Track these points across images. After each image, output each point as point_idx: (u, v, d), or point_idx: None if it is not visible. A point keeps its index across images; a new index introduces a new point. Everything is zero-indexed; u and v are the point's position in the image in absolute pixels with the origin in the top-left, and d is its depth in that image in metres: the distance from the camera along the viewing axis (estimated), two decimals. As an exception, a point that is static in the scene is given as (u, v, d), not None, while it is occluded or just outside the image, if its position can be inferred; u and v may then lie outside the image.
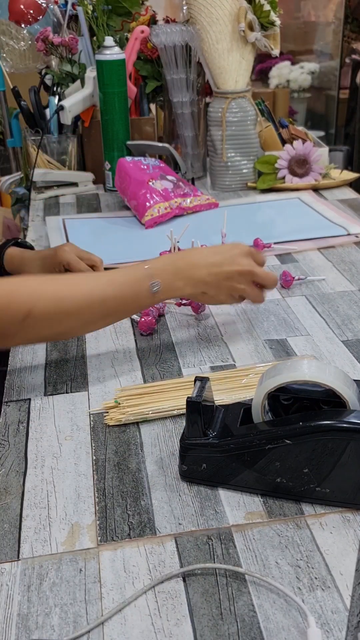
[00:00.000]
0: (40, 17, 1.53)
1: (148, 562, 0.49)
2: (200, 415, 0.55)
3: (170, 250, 1.00)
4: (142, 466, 0.59)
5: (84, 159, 1.45)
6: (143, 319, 0.81)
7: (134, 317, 0.84)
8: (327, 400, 0.54)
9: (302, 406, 0.56)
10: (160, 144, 1.36)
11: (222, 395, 0.67)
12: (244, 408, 0.58)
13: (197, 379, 0.57)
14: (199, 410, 0.54)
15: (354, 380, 0.55)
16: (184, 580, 0.48)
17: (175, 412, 0.66)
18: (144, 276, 0.70)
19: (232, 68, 1.27)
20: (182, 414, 0.66)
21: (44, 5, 1.52)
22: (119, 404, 0.67)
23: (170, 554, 0.50)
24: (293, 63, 2.69)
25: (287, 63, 2.64)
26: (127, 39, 1.40)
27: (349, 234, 1.09)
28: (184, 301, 0.86)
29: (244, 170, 1.35)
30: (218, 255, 0.73)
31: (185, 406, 0.55)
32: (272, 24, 1.24)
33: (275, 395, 0.56)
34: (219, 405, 0.60)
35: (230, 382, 0.70)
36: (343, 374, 0.54)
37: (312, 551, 0.50)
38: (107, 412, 0.67)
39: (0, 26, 1.62)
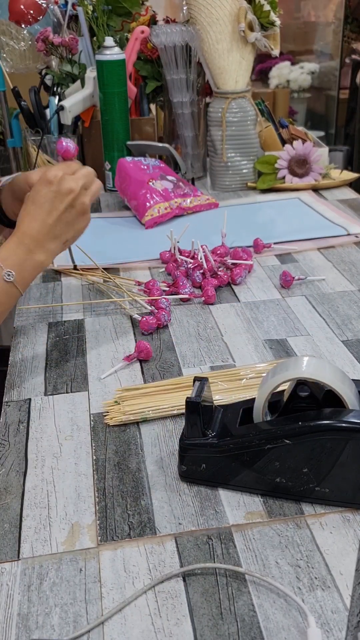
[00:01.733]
0: (41, 17, 1.53)
1: (148, 561, 0.50)
2: (199, 416, 0.55)
3: (170, 250, 1.01)
4: (142, 466, 0.59)
5: (84, 159, 1.45)
6: (144, 319, 0.81)
7: (135, 316, 0.84)
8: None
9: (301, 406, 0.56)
10: (160, 144, 1.36)
11: (221, 395, 0.67)
12: (243, 408, 0.58)
13: (196, 379, 0.57)
14: (198, 410, 0.54)
15: (353, 380, 0.55)
16: (184, 580, 0.48)
17: (175, 412, 0.66)
18: None
19: (232, 68, 1.28)
20: (182, 414, 0.66)
21: (44, 5, 1.52)
22: (119, 403, 0.67)
23: (170, 554, 0.50)
24: (293, 63, 2.70)
25: (287, 63, 2.64)
26: (127, 39, 1.40)
27: (348, 234, 1.09)
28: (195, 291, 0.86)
29: (244, 171, 1.35)
30: (44, 206, 0.70)
31: (184, 406, 0.55)
32: (272, 24, 1.24)
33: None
34: (218, 406, 0.60)
35: (229, 381, 0.70)
36: (342, 373, 0.54)
37: (312, 551, 0.50)
38: (107, 412, 0.67)
39: (0, 26, 1.62)
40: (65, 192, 0.71)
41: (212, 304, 0.89)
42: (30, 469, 0.60)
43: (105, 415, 0.66)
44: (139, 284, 0.93)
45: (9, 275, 0.68)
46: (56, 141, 0.79)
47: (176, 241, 0.99)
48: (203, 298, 0.89)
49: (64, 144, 0.77)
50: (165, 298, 0.86)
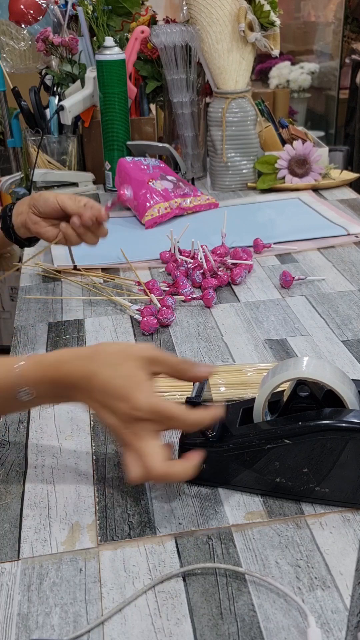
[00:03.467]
0: (41, 17, 1.53)
1: (148, 561, 0.50)
2: (199, 415, 0.55)
3: (170, 250, 1.01)
4: (142, 466, 0.59)
5: (84, 159, 1.45)
6: (145, 319, 0.81)
7: (136, 316, 0.84)
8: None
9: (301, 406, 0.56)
10: (160, 144, 1.36)
11: (222, 388, 0.67)
12: (244, 408, 0.58)
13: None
14: (198, 410, 0.54)
15: (353, 380, 0.55)
16: (184, 580, 0.48)
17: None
18: (10, 382, 0.53)
19: (232, 68, 1.28)
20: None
21: (44, 5, 1.52)
22: None
23: (170, 554, 0.50)
24: (293, 63, 2.70)
25: (287, 63, 2.64)
26: (127, 39, 1.40)
27: (348, 234, 1.09)
28: (195, 293, 0.86)
29: (244, 171, 1.35)
30: (110, 383, 0.51)
31: (182, 398, 0.55)
32: (272, 24, 1.24)
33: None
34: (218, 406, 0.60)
35: (231, 377, 0.70)
36: (342, 372, 0.54)
37: (312, 551, 0.50)
38: None
39: (0, 26, 1.62)
40: (148, 416, 0.50)
41: (210, 307, 0.88)
42: (30, 469, 0.60)
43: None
44: (139, 284, 0.93)
45: (28, 395, 0.53)
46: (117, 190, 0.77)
47: (176, 241, 0.99)
48: (202, 301, 0.89)
49: (126, 193, 0.76)
50: (171, 296, 0.86)
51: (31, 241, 0.88)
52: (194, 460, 0.51)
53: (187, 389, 0.65)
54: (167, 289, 0.92)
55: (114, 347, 0.54)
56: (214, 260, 0.95)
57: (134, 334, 0.82)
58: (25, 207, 0.83)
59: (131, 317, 0.85)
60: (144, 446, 0.50)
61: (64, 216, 0.81)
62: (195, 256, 0.98)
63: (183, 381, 0.54)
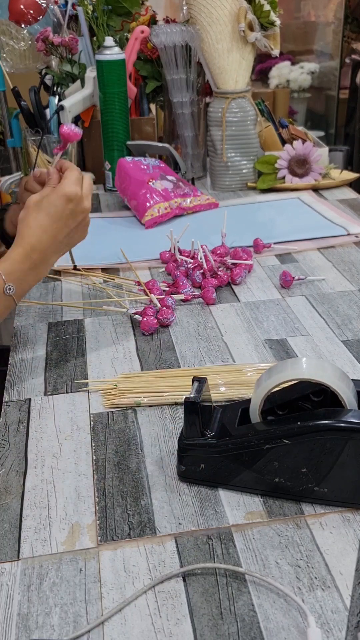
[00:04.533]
0: (40, 17, 1.53)
1: (148, 561, 0.50)
2: (198, 416, 0.55)
3: (170, 250, 1.01)
4: (142, 466, 0.59)
5: (84, 159, 1.45)
6: (145, 319, 0.81)
7: (136, 316, 0.84)
8: (317, 393, 0.55)
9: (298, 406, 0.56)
10: (160, 144, 1.36)
11: (222, 388, 0.67)
12: (242, 408, 0.58)
13: (194, 379, 0.57)
14: (197, 410, 0.54)
15: (352, 380, 0.55)
16: (184, 580, 0.48)
17: (169, 400, 0.67)
18: None
19: (232, 68, 1.27)
20: (176, 403, 0.67)
21: (44, 5, 1.52)
22: (117, 386, 0.69)
23: (170, 554, 0.50)
24: (293, 63, 2.69)
25: (287, 63, 2.64)
26: (127, 39, 1.40)
27: (348, 234, 1.09)
28: (195, 292, 0.86)
29: (244, 170, 1.35)
30: (59, 222, 0.70)
31: (182, 398, 0.55)
32: (272, 24, 1.24)
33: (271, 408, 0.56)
34: (217, 406, 0.60)
35: (231, 377, 0.70)
36: (340, 372, 0.54)
37: (312, 551, 0.50)
38: (107, 399, 0.68)
39: (0, 26, 1.62)
40: (81, 211, 0.72)
41: (212, 305, 0.88)
42: (30, 469, 0.60)
43: (104, 401, 0.67)
44: (139, 283, 0.93)
45: (10, 289, 0.68)
46: (58, 128, 0.78)
47: (176, 241, 0.99)
48: (202, 299, 0.89)
49: (69, 127, 0.75)
50: (171, 297, 0.86)
51: None
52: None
53: (187, 389, 0.65)
54: (167, 288, 0.92)
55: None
56: (214, 260, 0.95)
57: (134, 334, 0.82)
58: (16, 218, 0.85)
59: (131, 317, 0.85)
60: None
61: None
62: (195, 256, 0.98)
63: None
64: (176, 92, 1.33)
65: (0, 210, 0.89)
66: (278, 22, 1.24)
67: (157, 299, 0.86)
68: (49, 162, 1.40)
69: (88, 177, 0.75)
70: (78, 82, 1.39)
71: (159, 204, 1.16)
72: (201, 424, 0.55)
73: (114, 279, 0.96)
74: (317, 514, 0.53)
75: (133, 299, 0.89)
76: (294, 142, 1.30)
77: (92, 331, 0.83)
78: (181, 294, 0.89)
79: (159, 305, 0.85)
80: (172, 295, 0.88)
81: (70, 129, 0.75)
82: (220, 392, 0.68)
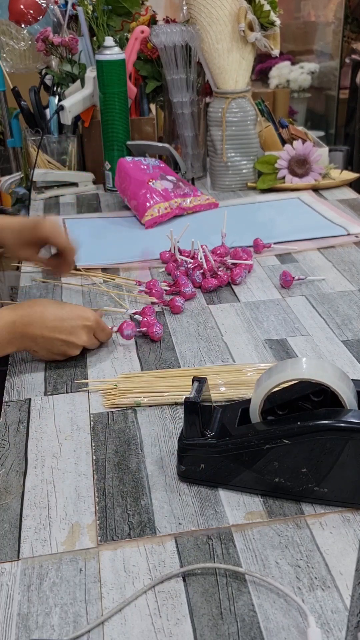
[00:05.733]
0: (40, 17, 1.53)
1: (148, 561, 0.50)
2: (198, 416, 0.55)
3: (170, 250, 1.01)
4: (142, 466, 0.59)
5: (84, 159, 1.45)
6: (145, 319, 0.80)
7: (137, 316, 0.84)
8: (317, 393, 0.55)
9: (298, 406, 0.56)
10: (160, 144, 1.36)
11: (222, 388, 0.67)
12: (242, 408, 0.58)
13: (194, 379, 0.57)
14: (197, 410, 0.54)
15: (352, 380, 0.55)
16: (184, 580, 0.48)
17: (169, 400, 0.67)
18: None
19: (232, 68, 1.27)
20: (176, 403, 0.67)
21: (44, 5, 1.52)
22: (117, 386, 0.69)
23: (170, 554, 0.50)
24: (293, 63, 2.69)
25: (287, 63, 2.64)
26: (127, 39, 1.40)
27: (348, 234, 1.09)
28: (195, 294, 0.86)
29: (244, 170, 1.35)
30: (58, 323, 0.72)
31: (181, 398, 0.55)
32: (272, 24, 1.24)
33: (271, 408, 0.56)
34: (217, 406, 0.60)
35: (231, 377, 0.70)
36: (340, 372, 0.54)
37: (312, 551, 0.50)
38: (107, 399, 0.68)
39: (0, 26, 1.62)
40: (74, 344, 0.74)
41: (178, 314, 0.86)
42: (30, 469, 0.60)
43: (104, 402, 0.67)
44: (140, 283, 0.93)
45: None
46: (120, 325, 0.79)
47: (176, 241, 0.99)
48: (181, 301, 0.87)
49: (129, 331, 0.78)
50: (151, 309, 0.84)
51: None
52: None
53: (187, 389, 0.65)
54: (168, 288, 0.92)
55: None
56: (214, 261, 0.95)
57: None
58: (15, 241, 0.85)
59: (131, 317, 0.85)
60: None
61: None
62: (196, 256, 0.98)
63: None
64: (176, 92, 1.33)
65: None
66: (278, 22, 1.24)
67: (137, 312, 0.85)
68: (49, 162, 1.40)
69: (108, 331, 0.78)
70: (78, 82, 1.39)
71: (159, 204, 1.16)
72: (201, 424, 0.55)
73: (114, 279, 0.96)
74: (317, 514, 0.53)
75: (133, 300, 0.89)
76: (294, 142, 1.30)
77: (92, 331, 0.83)
78: (182, 293, 0.89)
79: (138, 319, 0.83)
80: (151, 305, 0.86)
81: (129, 332, 0.78)
82: (220, 392, 0.68)
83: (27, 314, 0.71)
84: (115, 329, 0.80)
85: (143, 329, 0.80)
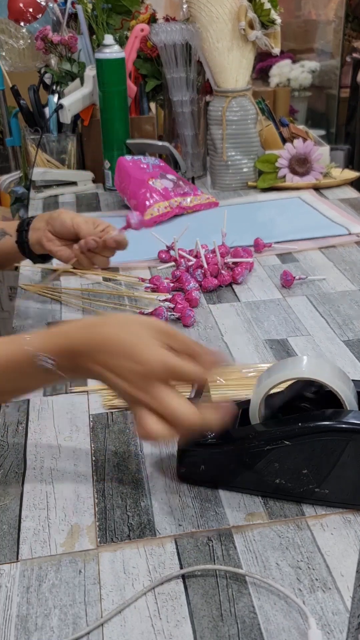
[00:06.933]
0: (40, 15, 1.53)
1: (148, 563, 0.49)
2: (199, 416, 0.54)
3: (168, 250, 1.00)
4: (142, 467, 0.59)
5: (84, 157, 1.45)
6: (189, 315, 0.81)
7: (167, 303, 0.84)
8: (317, 393, 0.54)
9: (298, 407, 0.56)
10: (160, 143, 1.36)
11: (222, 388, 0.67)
12: (243, 409, 0.58)
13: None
14: (197, 410, 0.54)
15: (352, 380, 0.55)
16: (184, 582, 0.48)
17: None
18: (24, 352, 0.51)
19: (232, 67, 1.27)
20: None
21: (44, 3, 1.51)
22: None
23: (170, 555, 0.50)
24: (294, 62, 2.69)
25: (287, 62, 2.63)
26: (126, 38, 1.39)
27: (350, 234, 1.08)
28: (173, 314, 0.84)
29: (245, 169, 1.35)
30: (127, 371, 0.49)
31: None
32: (273, 22, 1.23)
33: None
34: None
35: (231, 377, 0.69)
36: (340, 371, 0.54)
37: (313, 552, 0.49)
38: (107, 399, 0.68)
39: (-1, 25, 1.61)
40: (152, 399, 0.49)
41: (187, 326, 0.83)
42: (29, 470, 0.59)
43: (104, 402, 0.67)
44: (143, 280, 0.93)
45: (47, 361, 0.51)
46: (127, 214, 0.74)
47: (176, 240, 0.98)
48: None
49: (137, 216, 0.74)
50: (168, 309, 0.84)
51: (45, 258, 0.85)
52: (224, 409, 0.49)
53: (187, 390, 0.65)
54: (172, 284, 0.92)
55: (123, 315, 0.53)
56: (217, 260, 0.95)
57: (134, 334, 0.82)
58: (43, 224, 0.81)
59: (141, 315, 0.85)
60: (165, 400, 0.47)
61: (79, 238, 0.79)
62: (198, 255, 0.97)
63: (188, 375, 0.50)
64: (176, 90, 1.32)
65: (24, 222, 0.84)
66: (278, 20, 1.24)
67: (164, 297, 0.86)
68: (49, 160, 1.39)
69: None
70: (77, 81, 1.39)
71: (158, 203, 1.16)
72: (201, 424, 0.55)
73: (115, 278, 0.96)
74: (318, 515, 0.53)
75: (133, 300, 0.89)
76: (295, 141, 1.30)
77: (92, 331, 0.83)
78: (186, 290, 0.89)
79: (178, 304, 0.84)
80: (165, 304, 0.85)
81: (137, 221, 0.74)
82: (220, 392, 0.67)
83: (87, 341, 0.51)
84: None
85: (177, 314, 0.82)
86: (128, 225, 0.75)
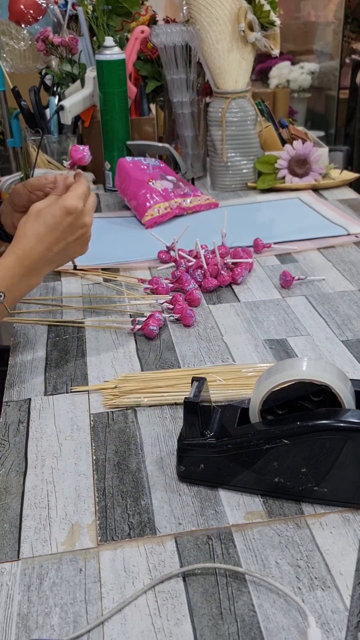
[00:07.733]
0: (40, 17, 1.53)
1: (148, 561, 0.50)
2: (197, 416, 0.55)
3: (168, 250, 1.01)
4: (142, 466, 0.59)
5: (84, 159, 1.45)
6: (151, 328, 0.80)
7: (166, 304, 0.84)
8: (316, 393, 0.55)
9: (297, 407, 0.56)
10: (160, 144, 1.36)
11: (221, 389, 0.67)
12: (242, 408, 0.58)
13: (194, 379, 0.57)
14: (196, 410, 0.54)
15: (351, 379, 0.55)
16: (184, 580, 0.48)
17: (169, 400, 0.67)
18: None
19: (232, 68, 1.27)
20: (176, 403, 0.67)
21: (44, 5, 1.52)
22: (117, 387, 0.69)
23: (170, 554, 0.50)
24: (293, 63, 2.69)
25: (287, 63, 2.64)
26: (127, 39, 1.40)
27: (348, 234, 1.09)
28: (175, 316, 0.84)
29: (244, 170, 1.35)
30: (55, 233, 0.70)
31: (181, 399, 0.55)
32: (272, 24, 1.24)
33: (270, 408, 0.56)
34: (217, 406, 0.60)
35: (231, 377, 0.70)
36: (339, 371, 0.54)
37: (312, 551, 0.50)
38: (107, 399, 0.68)
39: (0, 26, 1.62)
40: (80, 225, 0.71)
41: (189, 326, 0.84)
42: (30, 469, 0.60)
43: (104, 401, 0.67)
44: (143, 281, 0.93)
45: (0, 296, 0.67)
46: (70, 147, 0.78)
47: (176, 241, 0.99)
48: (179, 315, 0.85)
49: (81, 151, 0.76)
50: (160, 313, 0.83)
51: None
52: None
53: (187, 389, 0.65)
54: (172, 285, 0.92)
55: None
56: (216, 261, 0.95)
57: (134, 334, 0.82)
58: (8, 207, 0.83)
59: (130, 317, 0.85)
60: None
61: None
62: (198, 256, 0.98)
63: None
64: (176, 92, 1.33)
65: None
66: (278, 22, 1.24)
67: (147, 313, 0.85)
68: (49, 161, 1.40)
69: (93, 194, 0.74)
70: (78, 82, 1.39)
71: (159, 204, 1.16)
72: (201, 424, 0.55)
73: (116, 278, 0.96)
74: (317, 514, 0.53)
75: (133, 300, 0.89)
76: (294, 142, 1.30)
77: (92, 331, 0.83)
78: (186, 290, 0.90)
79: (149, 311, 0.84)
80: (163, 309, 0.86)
81: (81, 153, 0.76)
82: (220, 392, 0.68)
83: (28, 251, 0.69)
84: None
85: (177, 315, 0.83)
86: (73, 162, 0.78)
